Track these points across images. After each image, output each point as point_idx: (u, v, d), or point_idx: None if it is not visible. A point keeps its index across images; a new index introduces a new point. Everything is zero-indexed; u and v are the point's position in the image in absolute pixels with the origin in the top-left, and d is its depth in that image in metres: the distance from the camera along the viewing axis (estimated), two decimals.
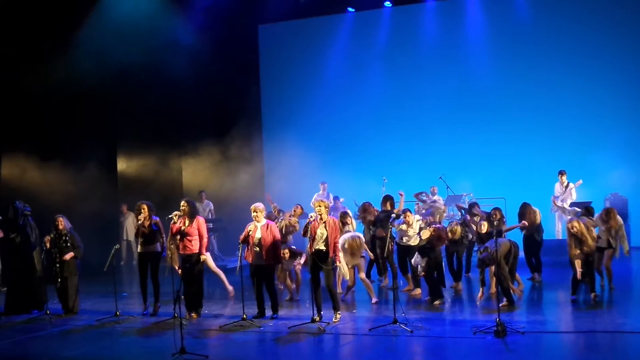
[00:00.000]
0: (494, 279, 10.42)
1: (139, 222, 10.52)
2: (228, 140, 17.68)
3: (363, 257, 10.96)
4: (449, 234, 11.32)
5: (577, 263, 10.01)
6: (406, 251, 11.48)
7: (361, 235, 11.06)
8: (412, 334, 8.58)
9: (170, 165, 17.97)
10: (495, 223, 11.30)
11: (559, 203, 14.67)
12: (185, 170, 18.45)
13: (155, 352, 8.55)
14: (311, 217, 9.46)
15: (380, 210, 12.36)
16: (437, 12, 18.61)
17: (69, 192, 14.21)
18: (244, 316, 9.55)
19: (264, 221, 9.82)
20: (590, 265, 10.24)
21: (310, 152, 17.87)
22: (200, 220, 10.21)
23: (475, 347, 8.00)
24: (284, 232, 11.49)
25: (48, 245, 10.66)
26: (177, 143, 17.96)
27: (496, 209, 11.65)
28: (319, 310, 9.33)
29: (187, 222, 10.03)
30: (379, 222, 12.04)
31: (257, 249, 9.69)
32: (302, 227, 9.87)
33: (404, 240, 11.44)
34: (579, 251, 9.99)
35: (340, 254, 9.95)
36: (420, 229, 11.06)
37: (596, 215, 11.29)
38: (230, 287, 11.67)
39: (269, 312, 9.91)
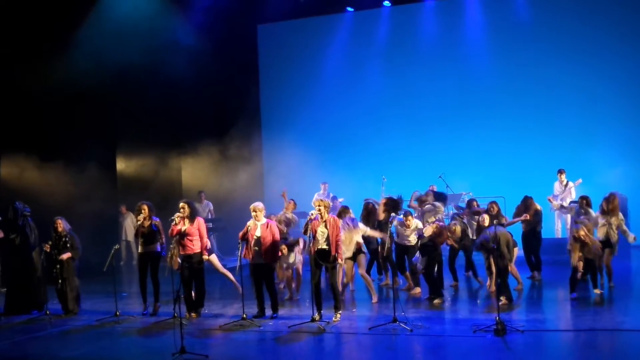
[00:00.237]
0: (493, 276, 10.43)
1: (139, 222, 10.53)
2: (227, 140, 17.69)
3: (364, 253, 10.92)
4: (450, 234, 11.32)
5: (579, 265, 10.02)
6: (404, 250, 11.51)
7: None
8: (412, 332, 8.59)
9: (170, 165, 17.95)
10: (494, 215, 11.36)
11: (558, 202, 14.65)
12: (184, 170, 18.44)
13: (155, 352, 8.56)
14: (311, 214, 9.46)
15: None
16: (435, 11, 18.61)
17: (68, 192, 14.20)
18: (244, 316, 9.56)
19: (264, 220, 9.83)
20: (592, 263, 10.26)
21: (309, 152, 17.89)
22: (200, 220, 10.24)
23: (475, 346, 8.01)
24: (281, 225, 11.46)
25: (48, 250, 10.63)
26: (176, 143, 17.95)
27: (493, 202, 11.72)
28: (319, 310, 9.33)
29: (187, 223, 10.04)
30: (379, 227, 11.98)
31: (257, 248, 9.70)
32: (301, 224, 9.85)
33: (404, 242, 11.46)
34: (581, 254, 10.00)
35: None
36: (419, 229, 11.08)
37: (596, 212, 11.30)
38: (239, 286, 11.63)
39: (268, 312, 9.91)
